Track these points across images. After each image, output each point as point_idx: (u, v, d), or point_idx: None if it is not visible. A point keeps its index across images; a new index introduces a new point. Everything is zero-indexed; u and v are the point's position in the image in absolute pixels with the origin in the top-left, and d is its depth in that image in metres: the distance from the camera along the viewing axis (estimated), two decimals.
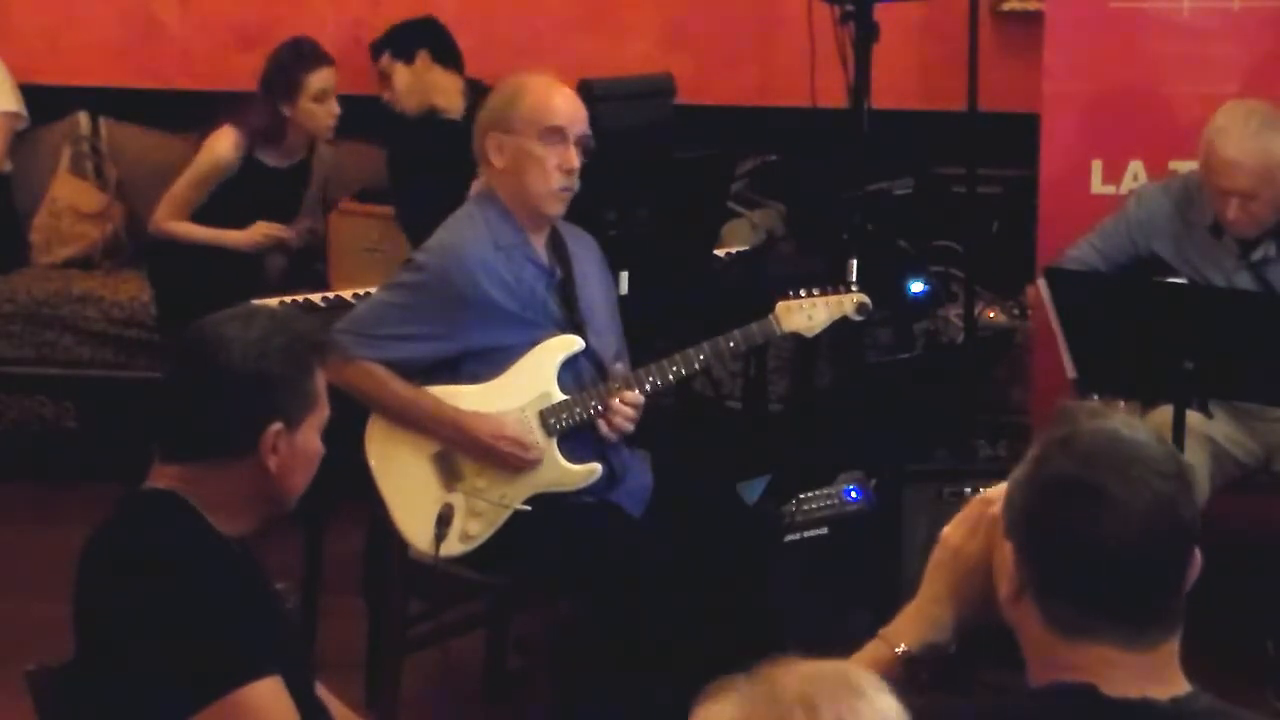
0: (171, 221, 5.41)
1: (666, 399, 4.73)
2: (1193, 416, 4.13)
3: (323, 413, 2.66)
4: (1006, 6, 6.00)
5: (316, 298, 4.76)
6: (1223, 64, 4.89)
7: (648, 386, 3.88)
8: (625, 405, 3.85)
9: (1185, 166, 4.61)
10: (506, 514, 3.84)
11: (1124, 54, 5.00)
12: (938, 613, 2.16)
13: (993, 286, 5.48)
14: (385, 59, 5.51)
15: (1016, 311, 5.45)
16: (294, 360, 2.60)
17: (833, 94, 4.97)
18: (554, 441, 3.87)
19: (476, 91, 5.15)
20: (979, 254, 5.32)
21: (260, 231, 5.40)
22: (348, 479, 3.71)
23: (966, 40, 5.13)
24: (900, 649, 2.15)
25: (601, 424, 3.86)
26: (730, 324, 3.93)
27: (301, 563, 4.52)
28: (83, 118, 6.33)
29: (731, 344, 3.92)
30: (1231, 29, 4.93)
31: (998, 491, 2.10)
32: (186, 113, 6.07)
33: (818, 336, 4.07)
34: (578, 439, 3.89)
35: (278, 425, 2.57)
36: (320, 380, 2.64)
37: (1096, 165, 5.04)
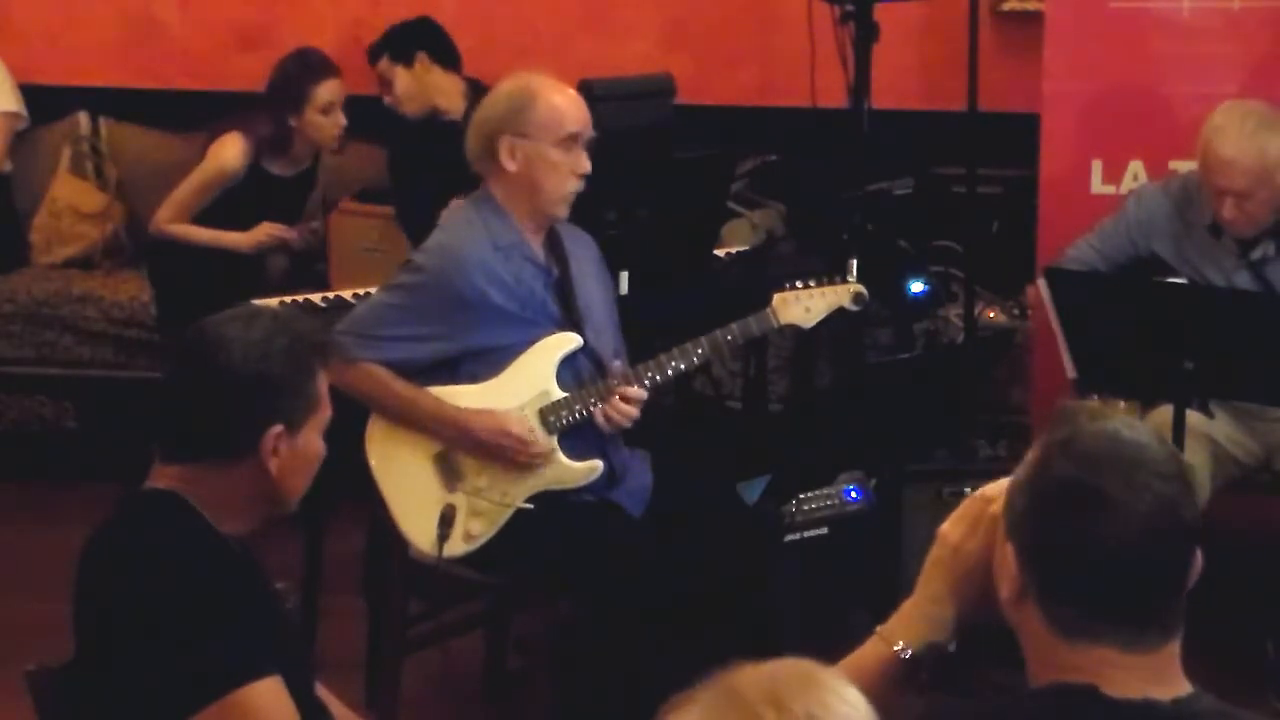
0: (173, 223, 5.41)
1: (666, 398, 4.74)
2: (1193, 416, 4.13)
3: (324, 414, 2.65)
4: (1006, 6, 6.00)
5: (317, 298, 4.76)
6: (1223, 64, 4.89)
7: (646, 382, 3.88)
8: (625, 401, 3.85)
9: (1185, 166, 4.61)
10: (508, 513, 3.84)
11: (1124, 54, 5.00)
12: (936, 611, 2.16)
13: (993, 286, 5.48)
14: (384, 63, 5.49)
15: (1016, 311, 5.45)
16: (296, 362, 2.60)
17: (833, 94, 4.97)
18: (554, 439, 3.87)
19: (477, 92, 5.14)
20: (979, 254, 5.32)
21: (264, 231, 5.40)
22: (348, 479, 3.71)
23: (966, 40, 5.13)
24: (898, 647, 2.15)
25: (599, 415, 3.86)
26: (731, 323, 3.93)
27: (301, 563, 4.52)
28: (83, 118, 6.33)
29: (729, 337, 3.92)
30: (1231, 29, 4.92)
31: (996, 489, 2.10)
32: (186, 113, 6.08)
33: (818, 336, 4.08)
34: (578, 437, 3.89)
35: (279, 427, 2.57)
36: (322, 381, 2.64)
37: (1096, 165, 5.04)
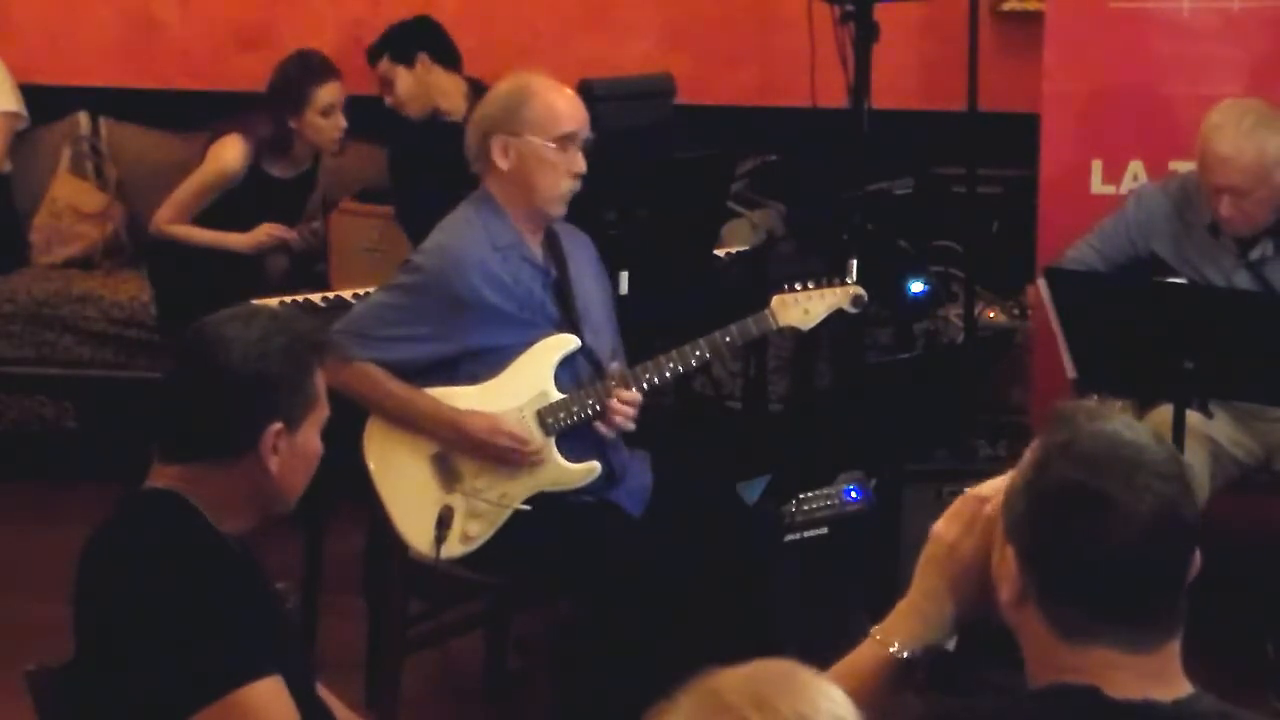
0: (172, 224, 5.42)
1: (666, 399, 4.74)
2: (1193, 416, 4.13)
3: (323, 412, 2.66)
4: (1006, 6, 6.00)
5: (317, 298, 4.76)
6: (1223, 64, 4.89)
7: (645, 384, 3.88)
8: (623, 404, 3.85)
9: (1185, 167, 4.61)
10: (506, 514, 3.84)
11: (1124, 54, 5.00)
12: (932, 610, 2.15)
13: (993, 286, 5.48)
14: (385, 64, 5.49)
15: (1016, 311, 5.45)
16: (294, 360, 2.60)
17: (833, 94, 4.97)
18: (552, 440, 3.87)
19: (478, 92, 5.14)
20: (979, 254, 5.32)
21: (265, 232, 5.40)
22: (348, 479, 3.71)
23: (966, 40, 5.13)
24: (894, 648, 2.14)
25: (599, 423, 3.86)
26: (730, 324, 3.93)
27: (301, 563, 4.52)
28: (83, 118, 6.34)
29: (728, 339, 3.92)
30: (1231, 29, 4.92)
31: (991, 487, 2.10)
32: (186, 113, 6.08)
33: (818, 336, 4.07)
34: (576, 438, 3.89)
35: (278, 425, 2.57)
36: (320, 380, 2.65)
37: (1096, 165, 5.04)
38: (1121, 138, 5.01)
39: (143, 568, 2.49)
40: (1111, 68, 5.01)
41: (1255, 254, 4.37)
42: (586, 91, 4.46)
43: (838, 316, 4.01)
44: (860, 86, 4.81)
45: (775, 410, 5.42)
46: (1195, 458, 4.20)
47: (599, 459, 3.90)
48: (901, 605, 2.18)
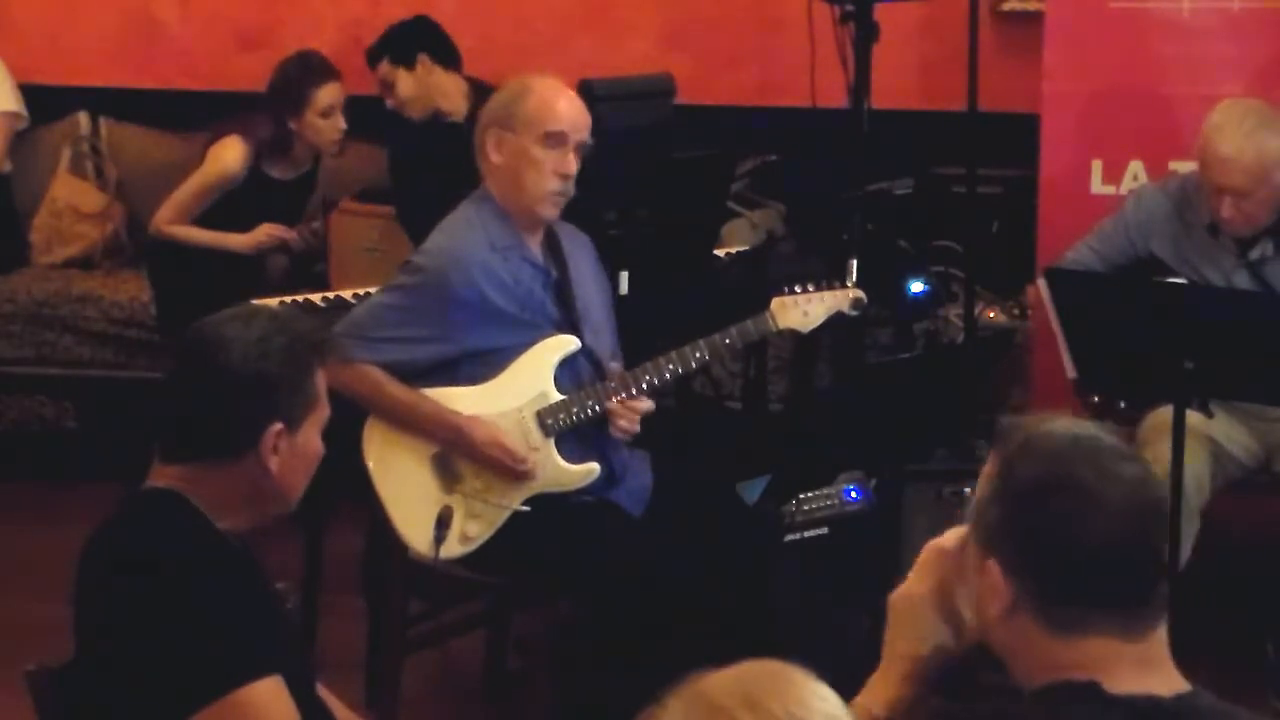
0: (172, 225, 5.42)
1: (666, 399, 4.73)
2: (1193, 416, 4.12)
3: (323, 413, 2.66)
4: (1006, 6, 6.00)
5: (317, 298, 4.76)
6: (1223, 64, 4.89)
7: (644, 386, 3.88)
8: (629, 409, 3.85)
9: (1185, 167, 4.61)
10: (505, 515, 3.85)
11: (1124, 54, 5.00)
12: (908, 666, 2.15)
13: (993, 286, 5.48)
14: (385, 66, 5.48)
15: (1016, 311, 5.44)
16: (294, 360, 2.60)
17: (833, 94, 4.97)
18: (551, 442, 3.87)
19: (479, 92, 5.15)
20: (979, 254, 5.31)
21: (264, 232, 5.41)
22: (348, 479, 3.71)
23: (966, 40, 5.13)
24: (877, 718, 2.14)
25: (613, 428, 3.87)
26: (730, 324, 3.93)
27: (301, 563, 4.52)
28: (83, 118, 6.34)
29: (728, 341, 3.92)
30: (1231, 29, 4.92)
31: (953, 536, 2.11)
32: (186, 113, 6.09)
33: (818, 336, 4.07)
34: (576, 439, 3.89)
35: (278, 425, 2.57)
36: (320, 380, 2.65)
37: (1096, 165, 5.04)
38: (1121, 138, 5.01)
39: (143, 567, 2.49)
40: (1111, 68, 5.01)
41: (1255, 254, 4.37)
42: (586, 91, 4.45)
43: (837, 319, 4.01)
44: (860, 86, 4.81)
45: (775, 410, 5.42)
46: (1195, 458, 4.20)
47: (599, 460, 3.90)
48: (875, 677, 2.17)
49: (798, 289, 3.95)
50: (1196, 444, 4.22)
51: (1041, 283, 4.35)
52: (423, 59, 5.43)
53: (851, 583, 4.20)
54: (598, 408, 3.86)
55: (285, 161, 5.44)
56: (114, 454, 4.04)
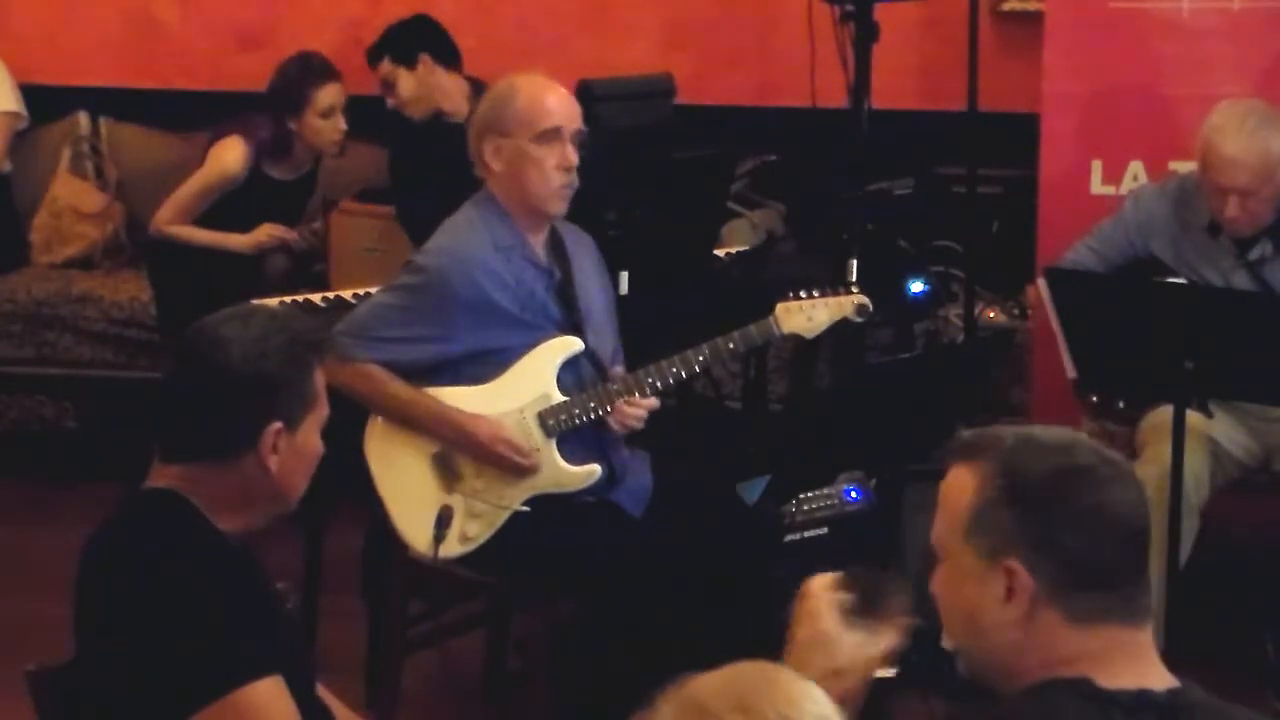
0: (173, 225, 5.42)
1: (667, 399, 4.73)
2: (1193, 416, 4.13)
3: (322, 412, 2.66)
4: (1006, 6, 6.00)
5: (317, 298, 4.76)
6: (1223, 64, 4.89)
7: (647, 388, 3.88)
8: (635, 407, 3.86)
9: (1185, 167, 4.61)
10: (505, 515, 3.84)
11: (1124, 54, 5.00)
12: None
13: (993, 286, 5.48)
14: (386, 65, 5.47)
15: (1016, 311, 5.44)
16: (293, 360, 2.60)
17: (833, 94, 4.97)
18: (553, 443, 3.87)
19: (480, 92, 5.14)
20: (979, 254, 5.32)
21: (265, 232, 5.41)
22: (348, 479, 3.71)
23: (966, 40, 5.13)
24: None
25: (611, 420, 3.86)
26: (730, 324, 3.93)
27: (301, 563, 4.52)
28: (83, 118, 6.34)
29: (731, 345, 3.92)
30: (1231, 29, 4.92)
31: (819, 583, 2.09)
32: (186, 113, 6.09)
33: (818, 337, 4.07)
34: (577, 440, 3.89)
35: (278, 425, 2.57)
36: (320, 379, 2.65)
37: (1096, 165, 5.03)
38: (1121, 138, 5.01)
39: (143, 567, 2.49)
40: (1111, 68, 5.01)
41: (1254, 254, 4.37)
42: (586, 91, 4.46)
43: (840, 324, 4.01)
44: (860, 86, 4.81)
45: (775, 410, 5.42)
46: (1195, 458, 4.20)
47: (600, 461, 3.90)
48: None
49: (802, 294, 3.94)
50: (1196, 444, 4.22)
51: (1041, 283, 4.35)
52: (424, 59, 5.42)
53: None
54: (600, 410, 3.86)
55: (286, 162, 5.44)
56: (114, 454, 4.04)
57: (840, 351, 5.06)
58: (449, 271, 3.83)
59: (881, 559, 4.24)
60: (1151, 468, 4.18)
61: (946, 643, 2.14)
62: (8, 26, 6.41)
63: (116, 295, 5.89)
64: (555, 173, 3.84)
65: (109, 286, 5.96)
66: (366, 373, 3.83)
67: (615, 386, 3.87)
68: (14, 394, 5.91)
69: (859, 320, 4.02)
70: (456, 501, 3.80)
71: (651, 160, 4.66)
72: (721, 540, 3.90)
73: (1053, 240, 4.90)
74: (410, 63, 5.43)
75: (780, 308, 3.93)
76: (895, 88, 5.47)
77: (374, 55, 5.52)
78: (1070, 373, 4.30)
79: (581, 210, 3.99)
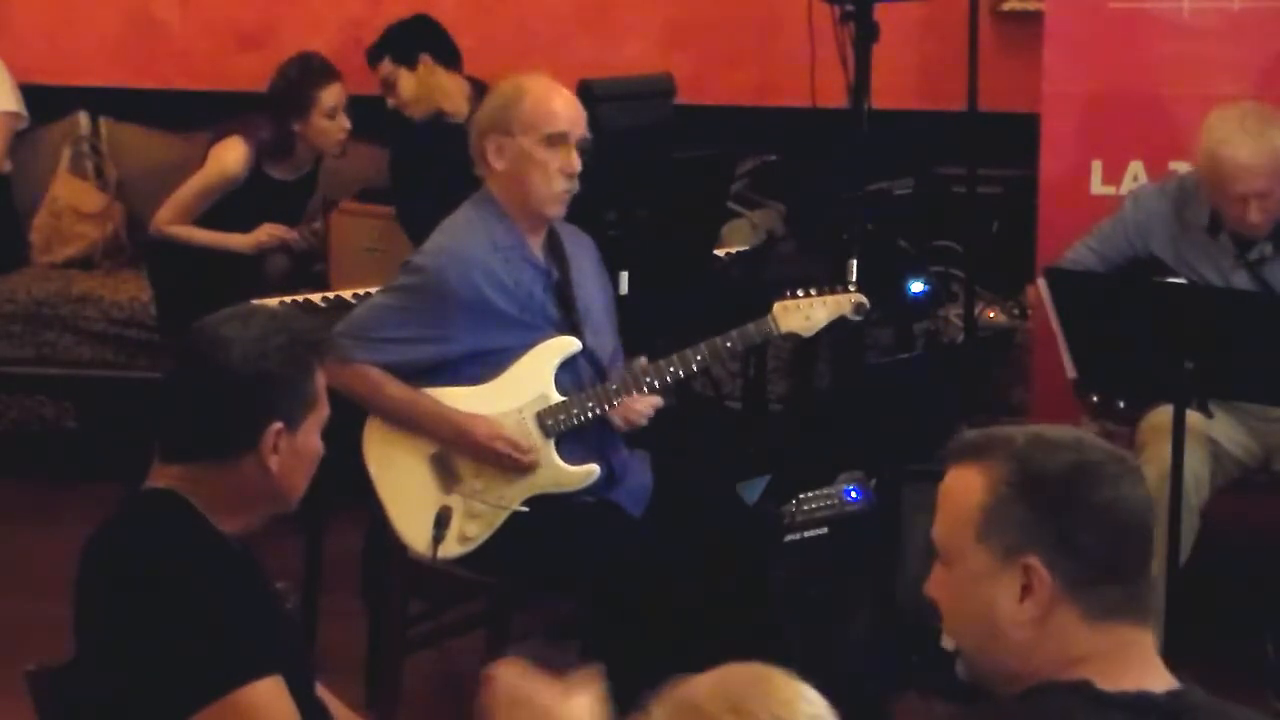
0: (173, 225, 5.42)
1: (667, 399, 4.73)
2: (1193, 416, 4.13)
3: (323, 412, 2.66)
4: (1006, 6, 6.00)
5: (317, 298, 4.76)
6: (1223, 64, 4.89)
7: (644, 388, 3.88)
8: (641, 403, 3.86)
9: (1185, 167, 4.61)
10: (504, 515, 3.85)
11: (1124, 54, 5.00)
12: None
13: (993, 286, 5.48)
14: (387, 65, 5.47)
15: (1016, 311, 5.44)
16: (294, 360, 2.60)
17: (833, 94, 4.97)
18: (551, 443, 3.87)
19: (480, 92, 5.14)
20: (979, 254, 5.32)
21: (266, 232, 5.41)
22: (347, 479, 3.71)
23: (966, 40, 5.13)
24: None
25: (615, 417, 3.86)
26: (730, 324, 3.93)
27: (301, 563, 4.52)
28: (83, 118, 6.34)
29: (729, 344, 3.92)
30: (1231, 29, 4.92)
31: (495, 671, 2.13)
32: (186, 113, 6.09)
33: (818, 337, 4.07)
34: (576, 440, 3.89)
35: (278, 425, 2.57)
36: (320, 380, 2.65)
37: (1096, 165, 5.03)
38: (1121, 138, 5.01)
39: (143, 568, 2.49)
40: (1111, 68, 5.01)
41: (1254, 254, 4.37)
42: (586, 91, 4.46)
43: (839, 323, 4.01)
44: (860, 86, 4.80)
45: (775, 410, 5.41)
46: (1195, 458, 4.20)
47: (599, 460, 3.90)
48: None
49: (800, 293, 3.94)
50: (1196, 444, 4.22)
51: (1041, 283, 4.35)
52: (425, 59, 5.42)
53: (851, 583, 4.20)
54: (599, 409, 3.86)
55: (287, 163, 5.44)
56: (114, 454, 4.04)
57: (840, 351, 5.06)
58: (447, 272, 3.83)
59: (881, 559, 4.24)
60: (1151, 468, 4.18)
61: (946, 644, 2.14)
62: (8, 26, 6.41)
63: (116, 295, 5.89)
64: (558, 177, 3.84)
65: (109, 286, 5.96)
66: (365, 374, 3.83)
67: (613, 386, 3.87)
68: (14, 394, 5.92)
69: (857, 318, 4.02)
70: (455, 502, 3.80)
71: (651, 160, 4.66)
72: (721, 540, 3.90)
73: (1053, 240, 4.89)
74: (411, 63, 5.42)
75: (778, 307, 3.93)
76: (895, 88, 5.47)
77: (374, 55, 5.52)
78: (1070, 373, 4.30)
79: (581, 210, 3.99)
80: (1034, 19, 5.44)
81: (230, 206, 5.39)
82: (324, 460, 2.68)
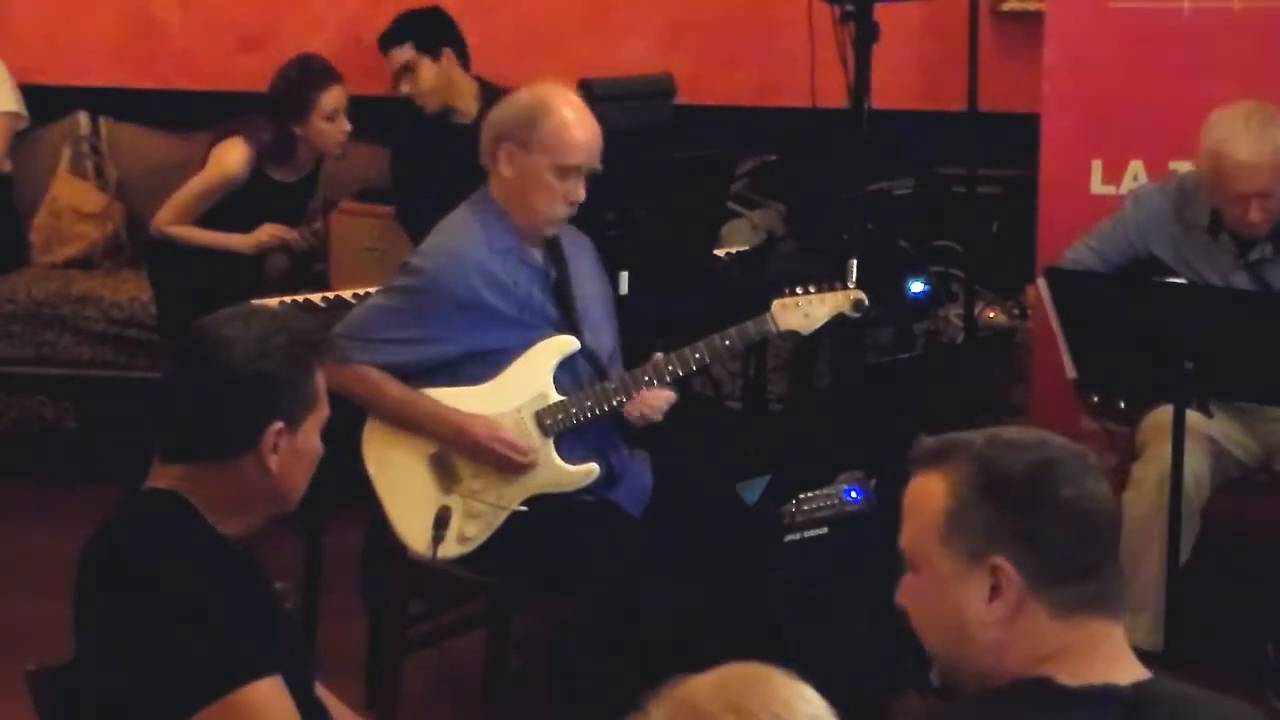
0: (173, 225, 5.42)
1: None
2: (1193, 416, 4.13)
3: (323, 412, 2.66)
4: (1006, 6, 6.00)
5: (317, 298, 4.76)
6: (1223, 64, 4.89)
7: (644, 387, 3.88)
8: (655, 397, 3.86)
9: (1185, 167, 4.61)
10: (504, 516, 3.85)
11: (1124, 54, 5.00)
12: None
13: (993, 286, 5.48)
14: (408, 51, 5.43)
15: (1016, 311, 5.44)
16: (294, 360, 2.60)
17: (833, 94, 4.97)
18: (550, 442, 3.87)
19: (488, 94, 5.14)
20: (979, 254, 5.32)
21: (266, 232, 5.41)
22: (347, 479, 3.71)
23: (966, 40, 5.13)
24: None
25: (630, 411, 3.87)
26: (730, 324, 3.93)
27: (301, 563, 4.52)
28: (83, 118, 6.33)
29: (727, 342, 3.92)
30: (1231, 29, 4.92)
31: None
32: (186, 113, 6.09)
33: (818, 336, 4.07)
34: (575, 439, 3.89)
35: (278, 425, 2.57)
36: (320, 380, 2.65)
37: (1096, 165, 5.03)
38: (1121, 138, 5.01)
39: (143, 567, 2.49)
40: (1111, 67, 5.01)
41: (1254, 255, 4.37)
42: (586, 91, 4.45)
43: (838, 320, 4.01)
44: (860, 86, 4.81)
45: (775, 410, 5.41)
46: (1195, 458, 4.20)
47: (598, 460, 3.90)
48: None
49: (799, 290, 3.94)
50: (1196, 444, 4.22)
51: (1041, 282, 4.35)
52: (447, 53, 5.42)
53: (851, 583, 4.20)
54: (597, 409, 3.86)
55: (288, 164, 5.44)
56: (114, 454, 4.04)
57: (840, 351, 5.06)
58: (444, 273, 3.83)
59: (881, 559, 4.24)
60: (1151, 468, 4.19)
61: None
62: (8, 26, 6.41)
63: (116, 295, 5.89)
64: (561, 203, 3.84)
65: (109, 286, 5.96)
66: (364, 374, 3.83)
67: (612, 385, 3.88)
68: (14, 394, 5.91)
69: (856, 316, 4.01)
70: (454, 502, 3.80)
71: (651, 160, 4.66)
72: (721, 540, 3.90)
73: (1053, 240, 4.89)
74: (435, 53, 5.41)
75: (777, 304, 3.93)
76: (895, 88, 5.47)
77: (393, 38, 5.48)
78: (1070, 373, 4.30)
79: (581, 210, 3.99)
80: (1034, 19, 5.44)
81: (231, 207, 5.39)
82: (324, 460, 2.68)
